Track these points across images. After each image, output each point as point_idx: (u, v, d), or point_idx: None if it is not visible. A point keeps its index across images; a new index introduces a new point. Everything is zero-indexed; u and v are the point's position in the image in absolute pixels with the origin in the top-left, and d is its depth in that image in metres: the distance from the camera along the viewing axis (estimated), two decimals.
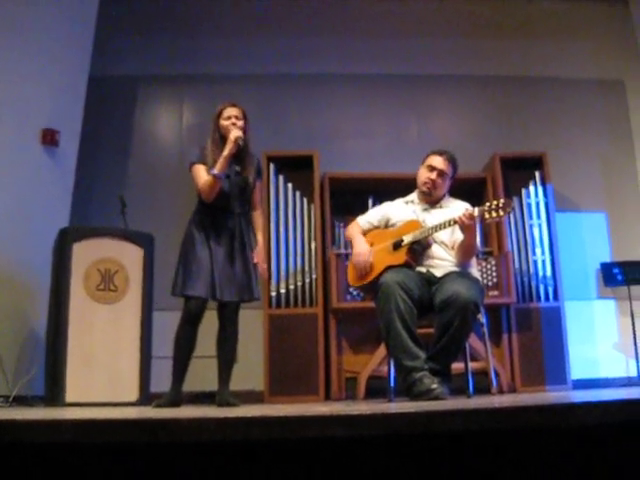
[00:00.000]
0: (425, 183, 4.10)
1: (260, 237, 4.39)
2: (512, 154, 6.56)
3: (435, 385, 3.43)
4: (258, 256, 4.30)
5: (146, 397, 4.92)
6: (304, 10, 7.35)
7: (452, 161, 4.14)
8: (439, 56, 7.31)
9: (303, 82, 7.21)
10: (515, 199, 6.39)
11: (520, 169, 6.55)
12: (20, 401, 4.93)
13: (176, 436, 1.74)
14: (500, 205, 3.60)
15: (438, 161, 4.11)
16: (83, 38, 6.27)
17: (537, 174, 6.50)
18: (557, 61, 7.35)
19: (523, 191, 6.47)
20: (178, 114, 7.18)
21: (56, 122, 5.82)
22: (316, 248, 6.19)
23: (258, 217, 4.45)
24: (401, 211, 4.16)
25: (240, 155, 4.21)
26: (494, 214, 3.60)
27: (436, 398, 3.37)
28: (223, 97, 4.57)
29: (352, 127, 7.15)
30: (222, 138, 4.20)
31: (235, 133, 4.10)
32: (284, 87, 7.17)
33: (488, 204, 3.65)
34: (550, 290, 6.24)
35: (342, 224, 6.41)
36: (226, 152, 4.08)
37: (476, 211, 3.69)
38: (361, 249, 4.07)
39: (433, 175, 4.08)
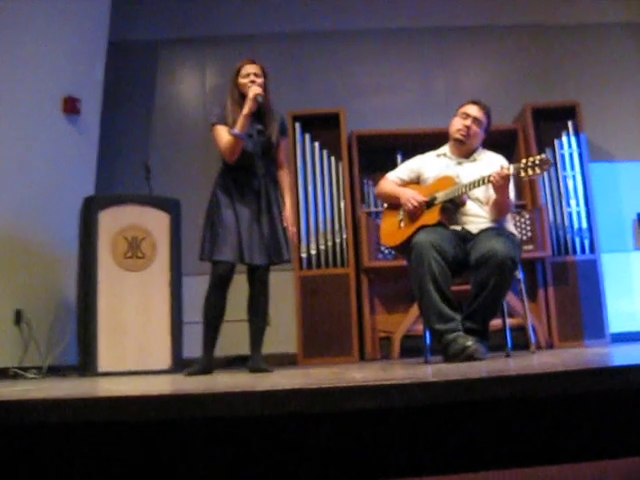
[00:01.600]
0: (459, 130, 3.94)
1: (288, 199, 4.27)
2: (544, 104, 6.40)
3: (470, 342, 3.32)
4: (286, 219, 4.19)
5: (179, 364, 4.91)
6: None
7: (487, 111, 3.99)
8: (466, 7, 7.11)
9: (327, 39, 7.05)
10: (548, 150, 6.22)
11: (552, 119, 6.38)
12: (53, 371, 4.93)
13: (208, 411, 1.67)
14: (537, 162, 3.43)
15: (473, 109, 3.96)
16: (100, 4, 6.18)
17: (570, 124, 6.32)
18: (589, 6, 7.10)
19: (556, 142, 6.30)
20: (200, 76, 7.08)
21: (77, 90, 5.76)
22: (345, 207, 6.10)
23: (284, 176, 4.33)
24: (433, 165, 4.01)
25: (261, 113, 4.10)
26: (530, 172, 3.44)
27: (471, 356, 3.27)
28: (245, 57, 4.42)
29: (378, 83, 7.00)
30: (242, 96, 4.09)
31: (254, 90, 3.98)
32: (308, 44, 7.02)
33: (524, 161, 3.48)
34: (586, 243, 6.10)
35: (371, 182, 6.31)
36: (246, 110, 3.96)
37: (511, 169, 3.52)
38: (408, 193, 3.92)
39: (468, 121, 3.93)
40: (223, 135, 4.03)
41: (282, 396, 1.69)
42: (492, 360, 3.22)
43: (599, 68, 6.95)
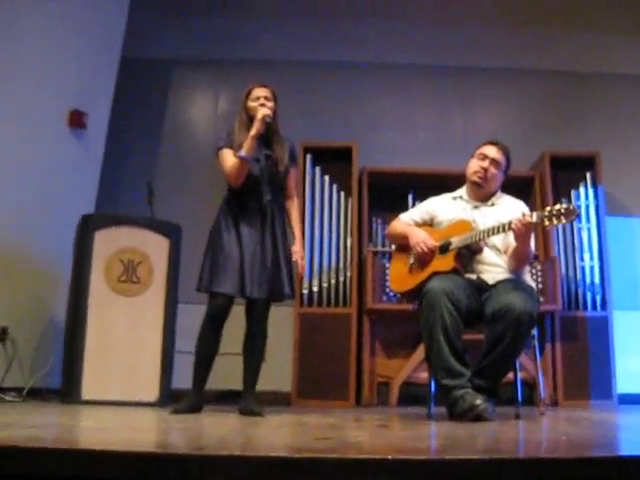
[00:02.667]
0: (476, 172, 3.74)
1: (298, 231, 4.12)
2: (563, 153, 6.22)
3: (479, 401, 3.11)
4: (296, 253, 4.03)
5: (167, 396, 4.72)
6: None
7: (506, 152, 3.80)
8: (488, 48, 6.97)
9: (344, 70, 6.90)
10: (564, 201, 6.03)
11: (570, 169, 6.20)
12: (35, 395, 4.72)
13: (186, 476, 1.46)
14: (562, 211, 3.22)
15: (492, 150, 3.78)
16: (115, 18, 6.06)
17: (588, 175, 6.14)
18: (612, 56, 6.96)
19: (573, 192, 6.12)
20: (213, 100, 6.94)
21: (85, 104, 5.61)
22: (352, 245, 5.89)
23: (293, 207, 4.15)
24: (449, 208, 3.81)
25: (269, 137, 3.96)
26: (555, 221, 3.23)
27: (480, 416, 3.06)
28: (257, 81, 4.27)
29: (394, 119, 6.85)
30: (250, 120, 3.94)
31: (263, 112, 3.83)
32: (324, 75, 6.88)
33: (549, 209, 3.27)
34: (598, 298, 5.89)
35: (380, 220, 6.14)
36: (253, 132, 3.81)
37: (534, 217, 3.31)
38: (419, 235, 3.72)
39: (485, 163, 3.73)
40: (228, 158, 3.88)
41: (269, 464, 1.48)
42: (501, 423, 2.99)
43: (621, 119, 6.79)
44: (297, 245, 4.05)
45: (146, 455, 1.55)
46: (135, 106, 6.66)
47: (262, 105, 3.90)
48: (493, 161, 3.75)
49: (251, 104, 3.96)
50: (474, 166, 3.79)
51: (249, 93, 4.00)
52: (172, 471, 1.49)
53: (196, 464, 1.48)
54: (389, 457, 1.48)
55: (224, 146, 3.94)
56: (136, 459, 1.52)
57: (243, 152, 3.79)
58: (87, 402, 4.43)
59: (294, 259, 3.99)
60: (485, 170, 3.73)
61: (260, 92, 3.97)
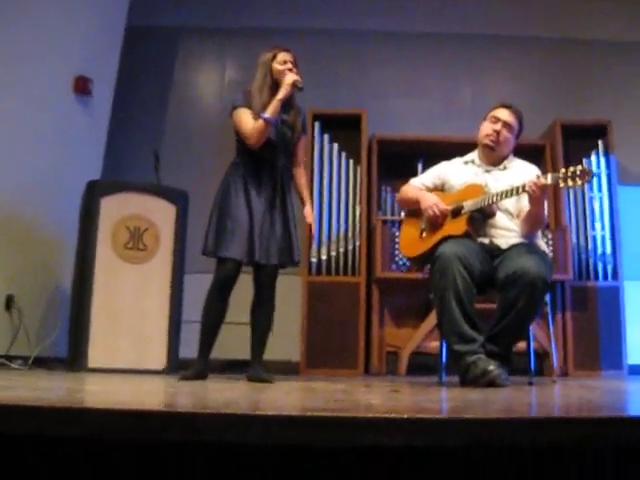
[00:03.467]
0: (488, 135, 3.66)
1: (307, 195, 4.07)
2: (574, 121, 6.13)
3: (492, 367, 3.05)
4: (309, 215, 3.99)
5: (174, 364, 4.68)
6: None
7: (519, 116, 3.72)
8: (497, 15, 6.86)
9: (352, 38, 6.80)
10: (570, 167, 5.93)
11: (582, 137, 6.11)
12: (41, 363, 4.68)
13: (193, 435, 1.40)
14: (578, 172, 3.15)
15: (504, 113, 3.69)
16: None
17: (600, 143, 6.06)
18: (624, 23, 6.84)
19: (584, 161, 6.00)
20: (220, 68, 6.86)
21: (90, 70, 5.54)
22: (361, 213, 5.84)
23: (301, 174, 4.10)
24: (460, 172, 3.73)
25: (289, 104, 3.89)
26: (570, 182, 3.16)
27: (493, 382, 3.00)
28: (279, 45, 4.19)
29: (403, 87, 6.76)
30: (275, 83, 3.86)
31: (292, 76, 3.77)
32: (332, 43, 6.78)
33: (563, 171, 3.20)
34: (609, 268, 5.83)
35: (389, 188, 6.08)
36: (280, 95, 3.74)
37: (549, 178, 3.24)
38: (430, 199, 3.65)
39: (498, 126, 3.65)
40: (249, 119, 3.80)
41: (284, 423, 1.42)
42: (515, 389, 2.94)
43: (634, 88, 6.67)
44: (308, 208, 4.01)
45: (152, 413, 1.49)
46: (141, 74, 6.60)
47: (290, 70, 3.84)
48: (505, 124, 3.67)
49: (278, 67, 3.87)
50: (486, 129, 3.71)
51: (275, 56, 3.91)
52: (179, 430, 1.43)
53: (203, 422, 1.42)
54: (405, 416, 1.43)
55: (242, 105, 3.86)
56: (141, 417, 1.47)
57: (267, 114, 3.72)
58: (94, 370, 4.39)
59: (308, 221, 3.95)
60: (497, 133, 3.66)
61: (287, 56, 3.90)
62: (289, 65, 3.86)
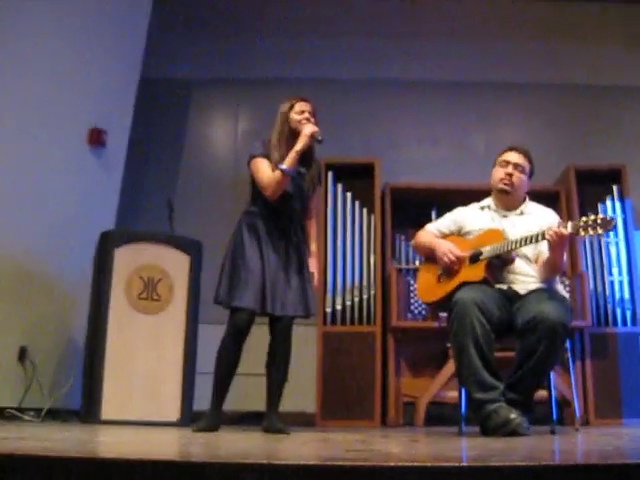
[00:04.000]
0: (502, 179, 3.65)
1: (314, 246, 4.06)
2: (588, 166, 6.09)
3: (514, 415, 3.00)
4: (313, 265, 3.95)
5: (188, 416, 4.62)
6: (366, 11, 7.02)
7: (528, 155, 3.73)
8: (509, 62, 6.90)
9: (364, 87, 6.84)
10: (591, 215, 5.89)
11: (596, 183, 6.06)
12: (54, 415, 4.63)
13: None
14: (599, 221, 3.11)
15: (513, 156, 3.71)
16: (135, 37, 6.03)
17: (615, 188, 6.01)
18: (635, 68, 6.85)
19: (599, 206, 5.97)
20: (233, 119, 6.91)
21: (104, 122, 5.57)
22: (375, 262, 5.78)
23: (312, 226, 4.09)
24: (477, 218, 3.71)
25: (306, 155, 3.83)
26: (591, 231, 3.13)
27: (515, 431, 2.94)
28: (280, 101, 4.12)
29: (415, 135, 6.78)
30: (292, 133, 3.83)
31: (312, 127, 3.74)
32: (344, 92, 6.81)
33: (584, 219, 3.18)
34: (628, 314, 5.73)
35: (403, 237, 6.04)
36: (299, 147, 3.70)
37: (569, 227, 3.21)
38: (444, 246, 3.64)
39: (509, 169, 3.65)
40: (267, 169, 3.76)
41: (303, 472, 1.37)
42: (537, 437, 2.87)
43: None
44: (313, 259, 3.99)
45: (165, 463, 1.45)
46: (155, 125, 6.64)
47: (307, 120, 3.81)
48: (516, 166, 3.67)
49: (295, 117, 3.84)
50: (498, 174, 3.70)
51: (292, 106, 3.89)
52: None
53: (216, 471, 1.38)
54: (428, 464, 1.38)
55: (260, 155, 3.83)
56: (154, 468, 1.42)
57: (285, 165, 3.68)
58: (107, 422, 4.34)
59: (311, 271, 3.91)
60: (510, 175, 3.65)
61: (305, 106, 3.88)
62: (306, 115, 3.83)
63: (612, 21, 7.02)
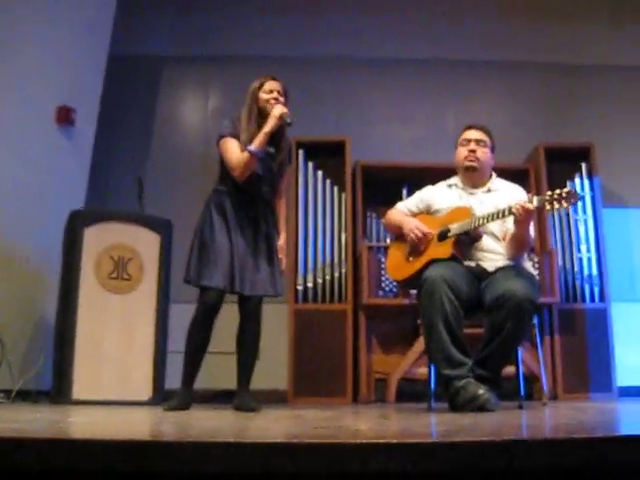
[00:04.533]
0: (466, 157, 3.69)
1: (283, 230, 4.03)
2: (557, 144, 6.14)
3: (482, 391, 3.04)
4: (282, 250, 3.94)
5: (160, 395, 4.61)
6: None
7: (487, 131, 3.79)
8: (480, 40, 6.89)
9: (336, 65, 6.81)
10: (556, 189, 5.94)
11: (565, 161, 6.11)
12: (24, 396, 4.61)
13: (177, 465, 1.36)
14: (564, 195, 3.15)
15: (472, 133, 3.76)
16: (104, 13, 5.93)
17: (583, 166, 6.08)
18: (606, 47, 6.88)
19: (568, 184, 6.01)
20: (203, 96, 6.85)
21: (72, 100, 5.48)
22: (346, 240, 5.80)
23: (282, 206, 4.07)
24: (445, 196, 3.74)
25: (276, 136, 3.79)
26: (556, 205, 3.16)
27: (482, 407, 2.98)
28: (251, 79, 4.09)
29: (386, 113, 6.76)
30: (260, 113, 3.80)
31: (280, 109, 3.70)
32: (315, 70, 6.78)
33: (549, 193, 3.21)
34: (596, 290, 5.81)
35: (374, 215, 6.06)
36: (267, 128, 3.67)
37: (535, 201, 3.24)
38: (412, 223, 3.67)
39: (472, 145, 3.68)
40: (235, 150, 3.72)
41: (269, 450, 1.38)
42: (505, 413, 2.91)
43: (615, 110, 6.70)
44: (282, 242, 3.97)
45: (135, 443, 1.45)
46: (125, 103, 6.57)
47: (275, 99, 3.78)
48: (478, 141, 3.72)
49: (264, 96, 3.81)
50: (462, 153, 3.75)
51: (262, 85, 3.84)
52: (163, 460, 1.39)
53: (187, 451, 1.39)
54: (394, 441, 1.39)
55: (229, 135, 3.78)
56: (125, 448, 1.43)
57: (253, 147, 3.65)
58: (78, 402, 4.33)
59: (279, 256, 3.90)
60: (474, 152, 3.68)
61: (274, 85, 3.84)
62: (275, 94, 3.80)
63: (583, 1, 7.04)
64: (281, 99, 3.81)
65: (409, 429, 1.87)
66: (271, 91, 3.82)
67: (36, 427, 1.98)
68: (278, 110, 3.69)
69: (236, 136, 3.77)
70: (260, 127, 3.72)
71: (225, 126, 3.84)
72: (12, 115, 5.06)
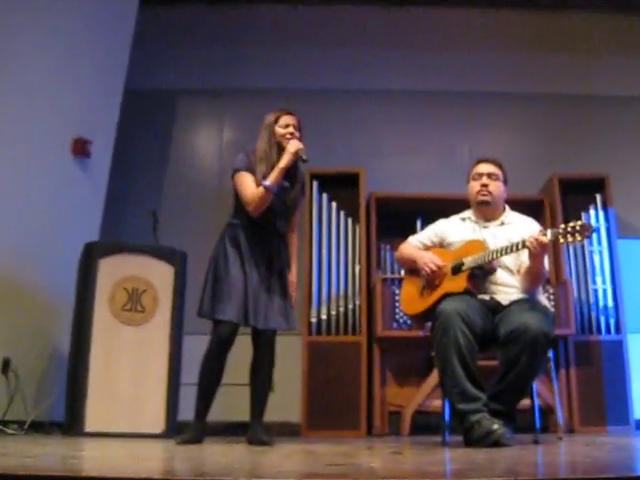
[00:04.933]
0: (479, 192, 3.69)
1: (294, 264, 4.00)
2: (571, 176, 6.12)
3: (496, 426, 3.00)
4: (292, 285, 3.92)
5: (173, 427, 4.60)
6: (351, 22, 7.03)
7: (499, 164, 3.77)
8: (493, 72, 6.93)
9: (349, 97, 6.86)
10: (570, 222, 5.91)
11: (580, 192, 6.10)
12: (37, 428, 4.60)
13: None
14: (577, 228, 3.15)
15: (483, 167, 3.76)
16: (120, 48, 6.02)
17: (598, 197, 6.05)
18: (621, 78, 6.90)
19: (583, 215, 5.99)
20: (218, 129, 6.90)
21: (88, 132, 5.54)
22: (360, 272, 5.78)
23: (294, 239, 4.05)
24: (458, 229, 3.74)
25: (291, 171, 3.79)
26: (570, 238, 3.15)
27: (497, 442, 2.95)
28: (265, 112, 4.09)
29: (400, 145, 6.79)
30: (276, 147, 3.81)
31: (296, 144, 3.70)
32: (328, 102, 6.82)
33: (563, 226, 3.21)
34: (611, 322, 5.76)
35: (388, 247, 6.05)
36: (283, 164, 3.67)
37: (549, 234, 3.23)
38: (426, 257, 3.66)
39: (484, 180, 3.68)
40: (250, 184, 3.72)
41: None
42: (520, 448, 2.88)
43: (630, 141, 6.71)
44: (293, 276, 3.95)
45: None
46: (140, 136, 6.63)
47: (291, 134, 3.78)
48: (490, 175, 3.71)
49: (280, 130, 3.81)
50: (475, 187, 3.74)
51: (277, 119, 3.84)
52: None
53: None
54: None
55: (244, 169, 3.79)
56: None
57: (269, 182, 3.65)
58: (91, 434, 4.32)
59: (290, 291, 3.88)
60: (486, 186, 3.68)
61: (290, 120, 3.84)
62: (291, 129, 3.80)
63: (597, 31, 7.07)
64: (297, 134, 3.81)
65: (422, 467, 1.85)
66: (287, 125, 3.82)
67: (48, 462, 1.97)
68: (294, 146, 3.69)
69: (251, 170, 3.77)
70: (275, 161, 3.72)
71: (240, 160, 3.84)
72: (29, 146, 5.10)
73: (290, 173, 3.80)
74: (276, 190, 3.69)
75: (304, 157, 3.71)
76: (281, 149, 3.76)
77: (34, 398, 4.78)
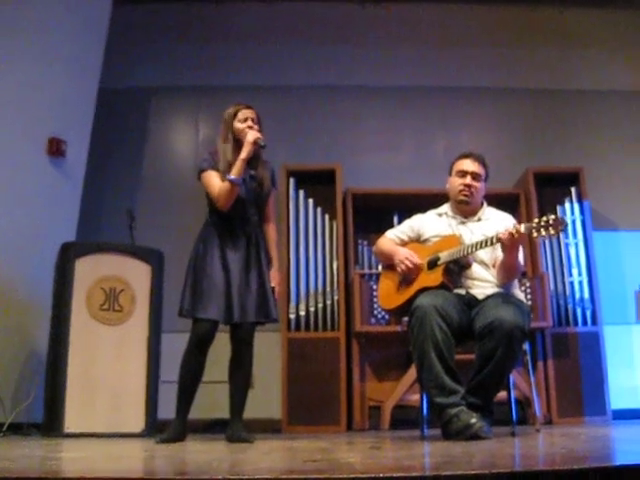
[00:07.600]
0: (461, 191, 3.69)
1: (275, 255, 4.02)
2: (546, 169, 6.20)
3: (474, 420, 3.03)
4: (274, 278, 3.93)
5: (152, 426, 4.61)
6: (326, 19, 7.04)
7: (482, 161, 3.77)
8: (468, 67, 6.96)
9: (326, 93, 6.86)
10: (543, 217, 5.96)
11: (555, 185, 6.17)
12: (16, 430, 4.57)
13: None
14: (551, 222, 3.17)
15: (468, 164, 3.74)
16: (94, 47, 5.98)
17: (573, 190, 6.10)
18: (593, 72, 6.96)
19: (558, 208, 6.06)
20: (193, 126, 6.87)
21: (63, 132, 5.52)
22: (338, 268, 5.80)
23: (272, 231, 4.06)
24: (435, 224, 3.76)
25: (253, 159, 3.85)
26: (543, 232, 3.18)
27: (476, 435, 2.97)
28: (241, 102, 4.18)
29: (376, 141, 6.79)
30: (236, 142, 3.85)
31: (254, 134, 3.76)
32: (305, 99, 6.83)
33: (537, 220, 3.24)
34: (588, 314, 5.82)
35: (365, 242, 6.07)
36: (243, 154, 3.73)
37: (522, 228, 3.27)
38: (402, 253, 3.67)
39: (468, 180, 3.69)
40: (215, 181, 3.78)
41: None
42: (498, 441, 2.91)
43: (603, 134, 6.77)
44: (274, 271, 3.97)
45: None
46: (115, 134, 6.59)
47: (250, 127, 3.83)
48: (474, 175, 3.71)
49: (238, 125, 3.86)
50: (457, 185, 3.74)
51: (235, 114, 3.90)
52: None
53: None
54: (380, 475, 1.40)
55: (208, 168, 3.84)
56: None
57: (233, 175, 3.70)
58: (70, 435, 4.32)
59: (272, 284, 3.89)
60: (469, 186, 3.69)
61: (247, 113, 3.89)
62: (249, 122, 3.85)
63: (570, 25, 7.11)
64: (255, 127, 3.86)
65: (400, 462, 1.87)
66: (245, 119, 3.87)
67: (27, 464, 1.97)
68: (252, 136, 3.75)
69: (215, 168, 3.83)
70: (237, 154, 3.77)
71: (203, 160, 3.91)
72: (3, 147, 5.08)
73: (254, 161, 3.86)
74: (241, 182, 3.75)
75: (262, 144, 3.77)
76: (240, 144, 3.80)
77: (12, 399, 4.75)
